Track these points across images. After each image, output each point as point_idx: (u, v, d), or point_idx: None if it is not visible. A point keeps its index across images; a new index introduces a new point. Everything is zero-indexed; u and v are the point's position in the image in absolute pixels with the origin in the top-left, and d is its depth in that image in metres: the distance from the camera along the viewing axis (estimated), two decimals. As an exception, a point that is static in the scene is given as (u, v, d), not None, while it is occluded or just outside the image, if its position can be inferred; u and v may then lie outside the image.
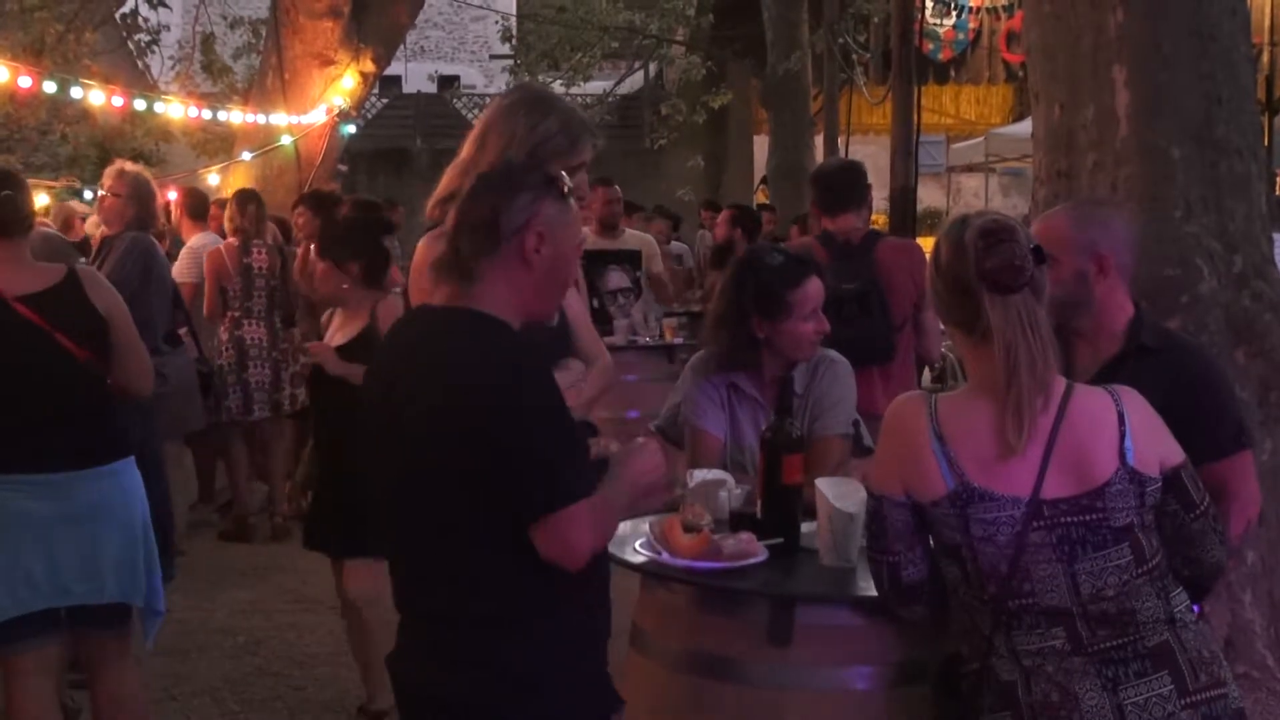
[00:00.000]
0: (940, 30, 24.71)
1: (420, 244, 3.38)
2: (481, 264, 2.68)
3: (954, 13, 24.89)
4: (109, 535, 4.20)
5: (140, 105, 9.85)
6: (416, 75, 27.07)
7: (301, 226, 8.04)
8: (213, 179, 11.68)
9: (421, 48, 28.25)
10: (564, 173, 2.84)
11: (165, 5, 14.69)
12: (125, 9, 14.50)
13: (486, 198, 2.72)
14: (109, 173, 6.51)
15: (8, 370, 4.05)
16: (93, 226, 8.28)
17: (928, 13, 22.20)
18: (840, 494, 3.17)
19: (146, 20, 14.77)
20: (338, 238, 5.27)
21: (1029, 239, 2.64)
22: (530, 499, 2.53)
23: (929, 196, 21.70)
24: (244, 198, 8.27)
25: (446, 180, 3.42)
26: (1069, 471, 2.57)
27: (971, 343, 2.65)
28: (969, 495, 2.58)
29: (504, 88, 23.99)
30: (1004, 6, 25.00)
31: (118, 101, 9.44)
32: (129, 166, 6.60)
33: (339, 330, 5.23)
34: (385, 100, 24.80)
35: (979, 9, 25.36)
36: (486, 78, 28.84)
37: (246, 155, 11.24)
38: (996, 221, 2.65)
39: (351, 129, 12.13)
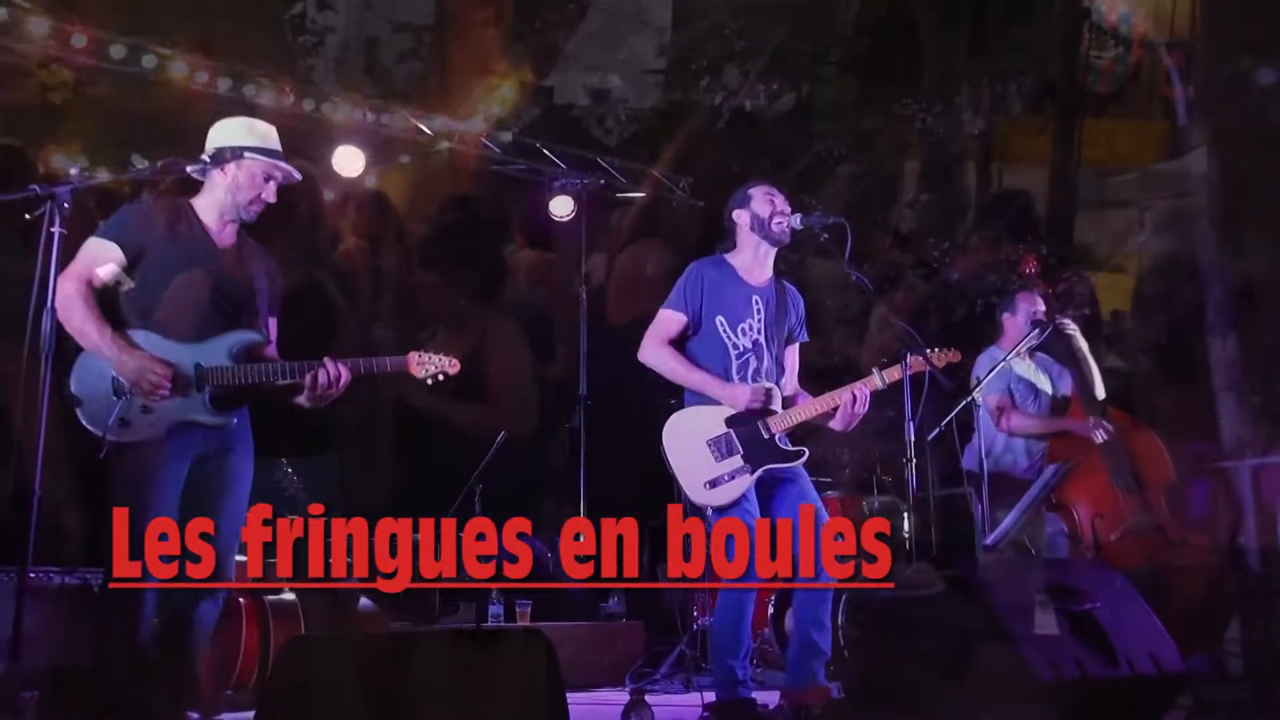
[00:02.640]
0: (1100, 63, 24.24)
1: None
2: None
3: (1115, 45, 24.39)
4: None
5: (309, 105, 10.05)
6: (568, 87, 27.17)
7: None
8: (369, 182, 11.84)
9: (575, 59, 28.34)
10: None
11: (331, 8, 14.97)
12: (294, 11, 14.77)
13: None
14: None
15: None
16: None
17: (1089, 44, 21.83)
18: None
19: (314, 22, 15.07)
20: None
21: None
22: None
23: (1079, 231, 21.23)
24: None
25: None
26: None
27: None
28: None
29: (656, 102, 24.05)
30: (1166, 44, 24.45)
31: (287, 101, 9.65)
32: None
33: None
34: (538, 110, 24.98)
35: (1140, 41, 24.82)
36: (640, 91, 28.93)
37: (405, 159, 11.41)
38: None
39: (508, 138, 12.23)
